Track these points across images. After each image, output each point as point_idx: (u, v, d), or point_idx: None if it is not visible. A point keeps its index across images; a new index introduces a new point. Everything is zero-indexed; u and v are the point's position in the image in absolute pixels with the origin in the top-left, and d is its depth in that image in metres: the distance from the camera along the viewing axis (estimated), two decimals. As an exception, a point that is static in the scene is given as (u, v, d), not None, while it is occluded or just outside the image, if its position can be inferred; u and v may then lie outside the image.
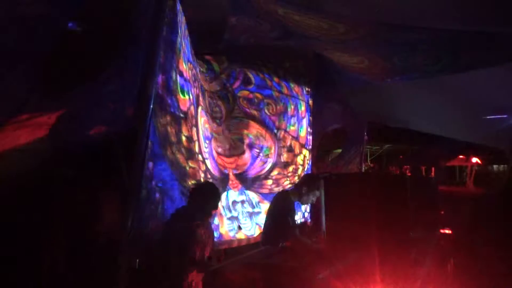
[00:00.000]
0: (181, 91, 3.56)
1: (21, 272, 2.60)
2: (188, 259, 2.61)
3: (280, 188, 5.27)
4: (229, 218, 4.73)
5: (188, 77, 3.75)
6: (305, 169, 6.12)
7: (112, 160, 2.77)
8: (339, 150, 8.10)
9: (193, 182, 3.69)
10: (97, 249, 2.93)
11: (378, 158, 17.75)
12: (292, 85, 5.97)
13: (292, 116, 5.93)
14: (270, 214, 3.85)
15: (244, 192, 5.05)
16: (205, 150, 4.19)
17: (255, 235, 4.96)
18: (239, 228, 4.87)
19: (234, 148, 5.00)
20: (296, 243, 3.52)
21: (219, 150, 4.75)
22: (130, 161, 2.72)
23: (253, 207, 5.07)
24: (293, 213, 3.78)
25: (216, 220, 4.43)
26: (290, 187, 4.09)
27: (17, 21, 2.19)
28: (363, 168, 7.11)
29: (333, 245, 2.75)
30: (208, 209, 2.90)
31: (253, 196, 5.14)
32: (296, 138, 5.99)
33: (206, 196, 2.92)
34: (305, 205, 5.86)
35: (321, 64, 6.01)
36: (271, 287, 1.92)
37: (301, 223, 5.33)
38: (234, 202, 4.84)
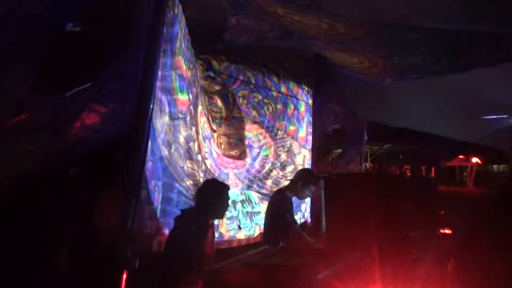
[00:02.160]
0: (180, 91, 3.56)
1: (22, 272, 2.60)
2: (190, 259, 2.63)
3: (279, 188, 5.28)
4: (229, 218, 4.73)
5: (188, 77, 3.75)
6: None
7: (112, 160, 2.77)
8: (339, 150, 8.10)
9: (191, 182, 3.70)
10: (96, 249, 2.93)
11: (378, 158, 17.74)
12: (292, 85, 5.97)
13: (292, 116, 5.92)
14: (268, 213, 3.86)
15: (244, 192, 5.05)
16: (204, 150, 4.19)
17: (255, 235, 4.97)
18: (239, 228, 4.87)
19: (234, 148, 5.00)
20: (297, 239, 3.53)
21: (219, 150, 4.75)
22: (130, 161, 2.73)
23: (253, 207, 5.07)
24: (290, 210, 3.79)
25: (216, 220, 4.43)
26: (285, 185, 4.11)
27: (17, 21, 2.19)
28: (363, 168, 7.12)
29: (333, 245, 2.74)
30: (218, 209, 2.90)
31: (253, 196, 5.14)
32: (296, 138, 5.99)
33: (215, 195, 2.90)
34: (306, 204, 5.89)
35: (321, 64, 6.01)
36: (271, 287, 1.92)
37: (301, 223, 5.35)
38: (234, 202, 4.84)
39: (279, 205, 3.77)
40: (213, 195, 2.89)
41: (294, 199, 3.93)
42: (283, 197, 3.84)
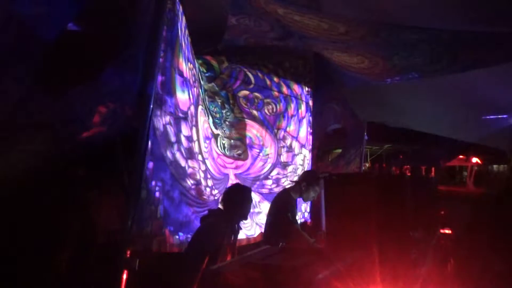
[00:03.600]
0: (181, 91, 3.56)
1: (23, 272, 2.60)
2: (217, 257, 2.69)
3: (280, 188, 5.27)
4: (229, 218, 4.72)
5: (188, 77, 3.75)
6: (305, 169, 6.12)
7: (112, 160, 2.77)
8: (339, 150, 8.11)
9: (192, 182, 3.70)
10: (97, 249, 2.93)
11: (378, 158, 17.75)
12: (292, 85, 5.97)
13: (292, 116, 5.92)
14: (270, 212, 3.88)
15: (244, 192, 5.04)
16: (205, 150, 4.19)
17: (255, 235, 4.96)
18: (240, 228, 4.87)
19: (234, 148, 5.00)
20: (297, 238, 3.54)
21: (219, 150, 4.75)
22: (130, 161, 2.73)
23: (253, 207, 5.07)
24: (293, 210, 3.81)
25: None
26: (290, 185, 4.14)
27: (17, 21, 2.19)
28: (363, 168, 7.12)
29: (333, 245, 2.74)
30: (245, 211, 3.12)
31: (253, 196, 5.14)
32: (296, 138, 5.99)
33: (242, 198, 3.13)
34: (306, 204, 5.89)
35: (321, 64, 6.01)
36: (271, 287, 1.91)
37: (301, 223, 5.35)
38: (234, 202, 4.83)
39: (281, 205, 3.80)
40: (240, 198, 3.12)
41: (299, 200, 3.95)
42: (286, 197, 3.87)
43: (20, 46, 2.26)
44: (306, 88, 6.31)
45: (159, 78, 3.05)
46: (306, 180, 3.89)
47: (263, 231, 4.55)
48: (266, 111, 5.46)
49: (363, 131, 7.09)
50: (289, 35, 4.85)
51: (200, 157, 3.98)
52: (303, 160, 6.10)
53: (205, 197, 3.94)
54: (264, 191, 5.29)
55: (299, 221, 5.17)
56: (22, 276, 2.60)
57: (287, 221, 3.66)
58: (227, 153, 4.89)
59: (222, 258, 2.78)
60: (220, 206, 3.19)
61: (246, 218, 3.28)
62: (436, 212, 3.86)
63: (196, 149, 3.87)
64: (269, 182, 5.39)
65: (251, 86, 5.31)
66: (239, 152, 5.06)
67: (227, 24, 4.42)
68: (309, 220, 5.88)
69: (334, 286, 1.93)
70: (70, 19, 2.57)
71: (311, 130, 6.39)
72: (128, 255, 2.61)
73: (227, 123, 4.97)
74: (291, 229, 3.64)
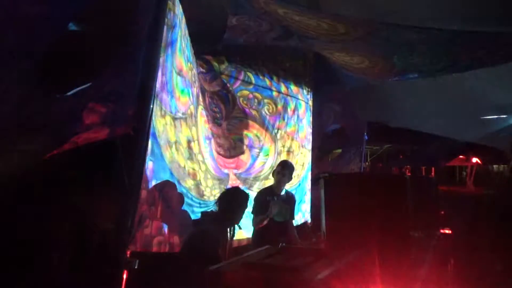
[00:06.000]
0: (181, 91, 3.56)
1: (22, 272, 2.60)
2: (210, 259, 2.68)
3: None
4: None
5: (188, 77, 3.75)
6: (305, 169, 6.13)
7: (112, 160, 2.78)
8: (339, 150, 8.11)
9: (192, 182, 3.70)
10: (96, 249, 2.93)
11: (378, 158, 17.74)
12: (292, 85, 5.97)
13: (292, 116, 5.92)
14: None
15: (245, 192, 5.04)
16: (205, 150, 4.19)
17: (255, 235, 4.96)
18: (239, 228, 4.86)
19: (234, 148, 5.00)
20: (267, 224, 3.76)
21: (219, 150, 4.75)
22: (130, 161, 2.73)
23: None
24: (262, 206, 3.98)
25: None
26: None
27: (17, 21, 2.19)
28: (363, 168, 7.13)
29: (333, 245, 2.74)
30: (237, 216, 3.15)
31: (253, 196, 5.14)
32: (296, 138, 5.98)
33: (236, 203, 3.15)
34: (305, 205, 5.89)
35: (321, 64, 6.01)
36: (271, 287, 1.91)
37: (301, 223, 5.36)
38: (234, 202, 4.83)
39: (255, 204, 4.03)
40: (235, 202, 3.14)
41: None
42: (261, 195, 4.15)
43: (20, 46, 2.26)
44: (306, 88, 6.31)
45: (159, 78, 3.05)
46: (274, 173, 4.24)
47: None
48: (266, 111, 5.46)
49: (363, 131, 7.10)
50: (289, 35, 4.85)
51: (200, 157, 3.98)
52: (303, 160, 6.09)
53: (205, 197, 3.94)
54: (265, 191, 5.28)
55: (298, 221, 5.19)
56: (21, 277, 2.60)
57: (263, 219, 3.86)
58: (227, 153, 4.88)
59: (214, 261, 2.78)
60: (215, 208, 3.19)
61: (239, 221, 3.28)
62: (436, 212, 3.86)
63: (196, 149, 3.87)
64: (269, 182, 5.39)
65: (251, 86, 5.31)
66: (239, 152, 5.05)
67: (227, 24, 4.42)
68: (309, 220, 5.88)
69: (334, 286, 1.93)
70: (70, 19, 2.57)
71: (311, 130, 6.39)
72: (128, 255, 2.61)
73: (227, 123, 4.97)
74: (270, 226, 3.82)
